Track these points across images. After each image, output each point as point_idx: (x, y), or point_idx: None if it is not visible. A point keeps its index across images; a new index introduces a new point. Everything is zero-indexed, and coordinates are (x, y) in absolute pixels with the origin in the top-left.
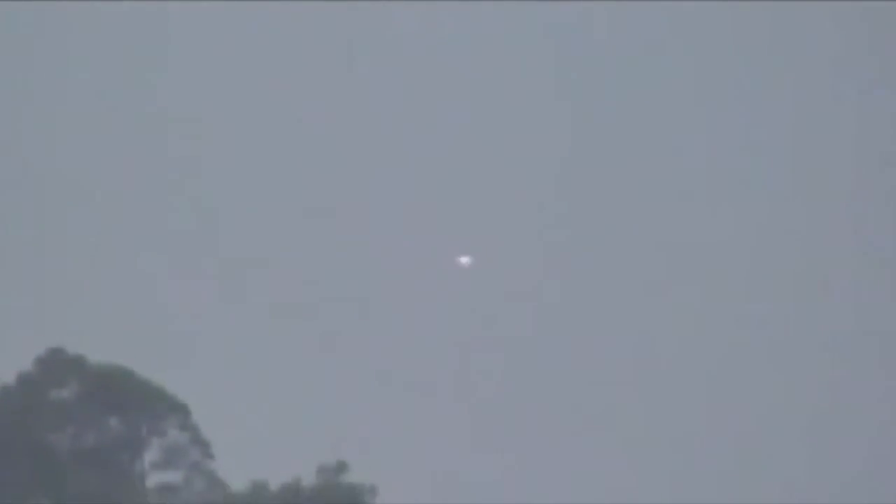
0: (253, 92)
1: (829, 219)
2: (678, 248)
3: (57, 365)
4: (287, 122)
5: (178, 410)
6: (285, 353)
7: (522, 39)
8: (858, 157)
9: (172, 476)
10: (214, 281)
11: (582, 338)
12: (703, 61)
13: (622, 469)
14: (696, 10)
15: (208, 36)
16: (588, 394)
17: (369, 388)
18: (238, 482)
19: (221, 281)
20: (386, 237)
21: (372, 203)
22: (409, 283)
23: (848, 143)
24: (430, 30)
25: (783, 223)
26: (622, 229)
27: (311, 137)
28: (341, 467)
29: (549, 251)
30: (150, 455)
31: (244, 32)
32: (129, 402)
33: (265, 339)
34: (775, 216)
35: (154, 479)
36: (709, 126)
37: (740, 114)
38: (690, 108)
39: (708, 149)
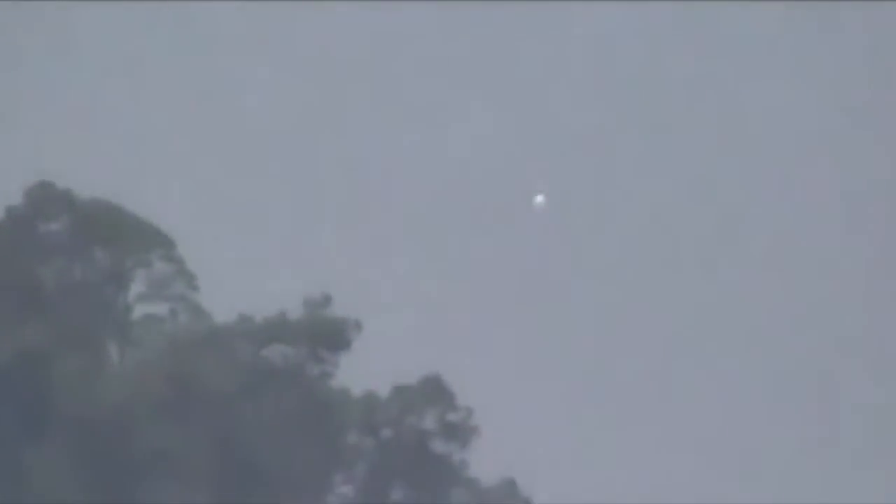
0: None
1: None
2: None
3: (45, 199)
4: None
5: (164, 243)
6: (274, 188)
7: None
8: None
9: (157, 308)
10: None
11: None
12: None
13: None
14: None
15: None
16: None
17: (358, 226)
18: (223, 315)
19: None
20: None
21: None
22: None
23: None
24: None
25: None
26: None
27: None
28: (326, 301)
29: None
30: (136, 287)
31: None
32: (115, 235)
33: (255, 175)
34: None
35: (139, 311)
36: None
37: None
38: None
39: None
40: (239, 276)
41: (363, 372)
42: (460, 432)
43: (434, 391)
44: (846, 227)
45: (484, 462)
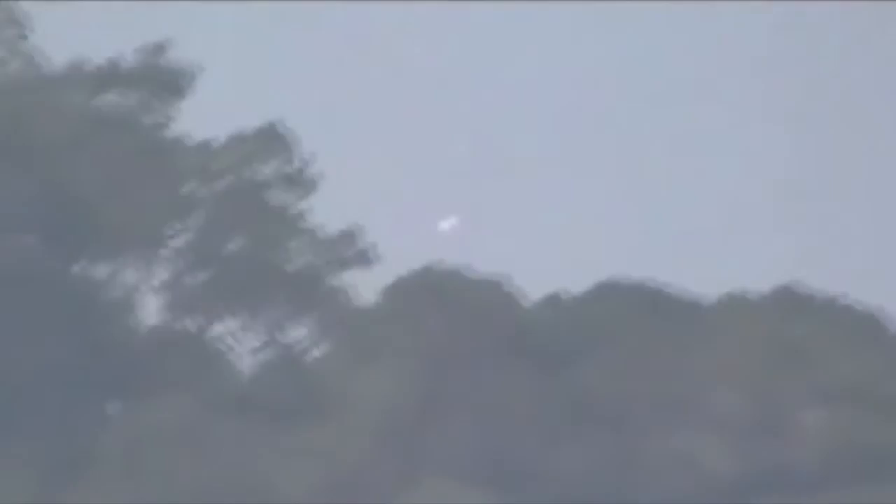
0: None
1: None
2: None
3: None
4: None
5: None
6: None
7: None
8: None
9: None
10: None
11: None
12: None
13: None
14: None
15: None
16: None
17: None
18: (53, 63)
19: None
20: None
21: None
22: None
23: None
24: None
25: None
26: None
27: None
28: (161, 49)
29: None
30: None
31: None
32: None
33: None
34: None
35: None
36: None
37: None
38: None
39: None
40: (71, 22)
41: (199, 121)
42: (300, 182)
43: (272, 140)
44: None
45: (325, 213)
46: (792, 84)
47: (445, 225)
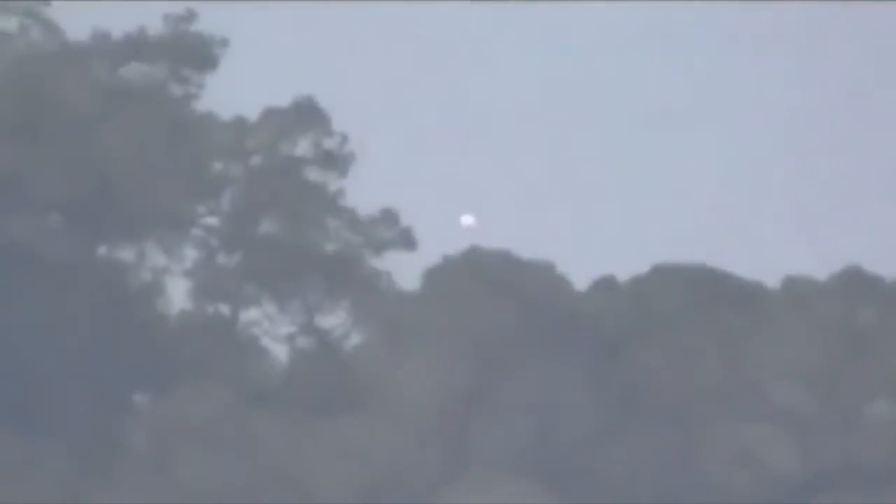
0: None
1: None
2: None
3: None
4: None
5: None
6: None
7: None
8: None
9: (4, 23)
10: None
11: None
12: None
13: None
14: None
15: None
16: None
17: None
18: (78, 32)
19: None
20: None
21: None
22: None
23: None
24: None
25: None
26: None
27: None
28: (190, 16)
29: None
30: None
31: None
32: None
33: None
34: None
35: None
36: None
37: None
38: None
39: None
40: None
41: (231, 94)
42: (336, 159)
43: (309, 114)
44: None
45: (362, 192)
46: (866, 71)
47: (467, 220)
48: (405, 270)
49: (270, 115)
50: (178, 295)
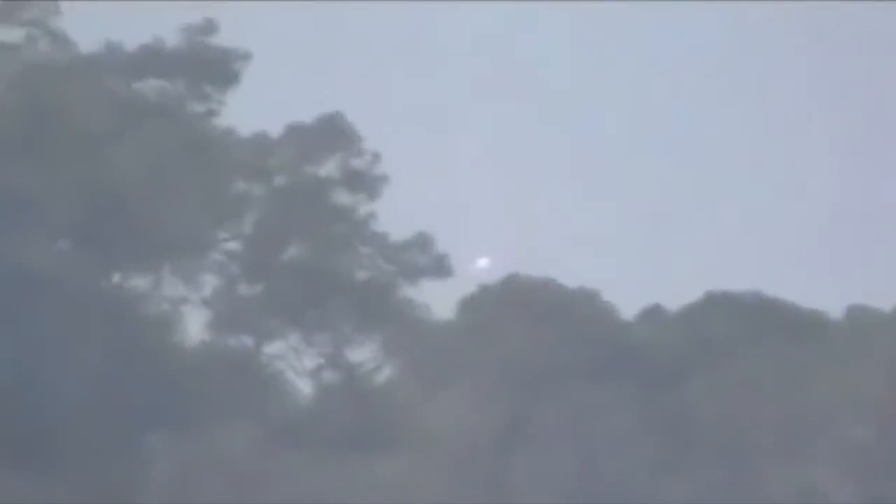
0: None
1: None
2: None
3: None
4: None
5: None
6: None
7: None
8: None
9: (11, 35)
10: None
11: None
12: None
13: None
14: None
15: None
16: None
17: None
18: (89, 44)
19: None
20: None
21: None
22: None
23: None
24: None
25: None
26: None
27: None
28: (210, 27)
29: None
30: None
31: None
32: None
33: None
34: None
35: None
36: None
37: None
38: None
39: None
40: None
41: (253, 109)
42: (365, 180)
43: (336, 131)
44: None
45: (393, 216)
46: None
47: (481, 263)
48: (440, 299)
49: (295, 132)
50: (196, 326)
